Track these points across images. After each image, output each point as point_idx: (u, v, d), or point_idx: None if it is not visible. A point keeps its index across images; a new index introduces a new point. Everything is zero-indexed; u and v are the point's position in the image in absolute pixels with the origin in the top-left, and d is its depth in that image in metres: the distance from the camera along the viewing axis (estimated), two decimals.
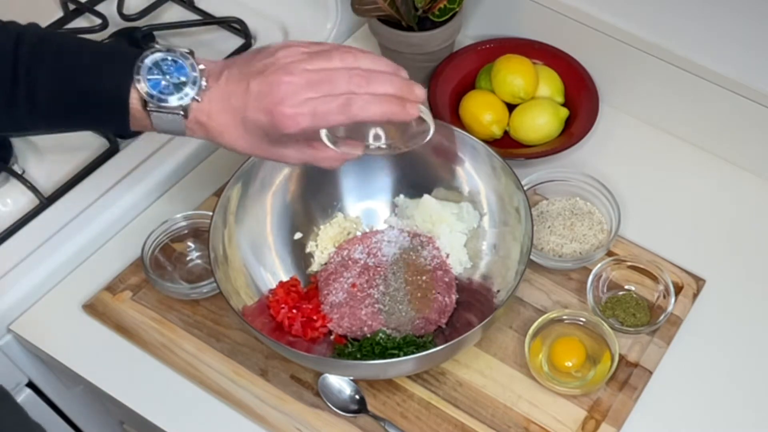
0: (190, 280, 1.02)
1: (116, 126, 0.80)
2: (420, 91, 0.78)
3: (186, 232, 1.04)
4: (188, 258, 1.04)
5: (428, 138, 0.81)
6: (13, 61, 0.77)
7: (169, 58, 0.78)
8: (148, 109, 0.77)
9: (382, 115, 0.76)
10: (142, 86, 0.77)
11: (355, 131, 0.82)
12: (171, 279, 1.01)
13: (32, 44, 0.78)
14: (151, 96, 0.77)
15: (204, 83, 0.78)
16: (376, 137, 0.82)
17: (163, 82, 0.77)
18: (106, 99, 0.78)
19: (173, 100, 0.77)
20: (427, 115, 0.79)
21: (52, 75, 0.77)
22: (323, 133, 0.79)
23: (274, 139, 0.79)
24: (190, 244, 1.04)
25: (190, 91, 0.78)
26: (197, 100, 0.78)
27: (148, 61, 0.77)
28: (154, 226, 1.02)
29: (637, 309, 0.98)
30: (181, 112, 0.78)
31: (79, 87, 0.78)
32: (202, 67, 0.79)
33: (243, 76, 0.78)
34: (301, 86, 0.76)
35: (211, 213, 0.93)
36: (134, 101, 0.78)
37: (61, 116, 0.80)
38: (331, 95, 0.76)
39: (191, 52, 0.79)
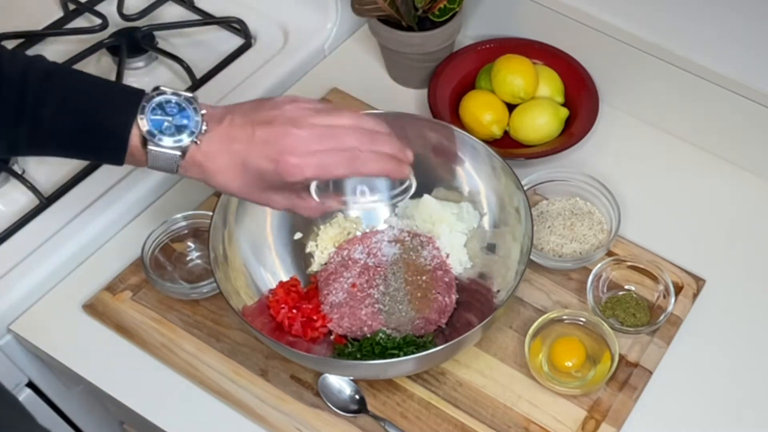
0: (190, 280, 1.02)
1: (110, 159, 0.82)
2: (410, 154, 0.86)
3: (186, 232, 1.04)
4: (188, 258, 1.04)
5: (410, 195, 0.89)
6: (19, 97, 0.79)
7: (173, 100, 0.81)
8: (148, 147, 0.80)
9: (381, 171, 0.83)
10: (143, 124, 0.80)
11: (339, 186, 0.89)
12: (171, 279, 1.01)
13: (38, 81, 0.80)
14: (152, 135, 0.79)
15: (205, 127, 0.81)
16: (362, 193, 0.91)
17: (166, 123, 0.80)
18: (107, 135, 0.81)
19: (173, 141, 0.80)
20: (411, 175, 0.87)
21: (57, 113, 0.80)
22: (313, 185, 0.84)
23: (269, 186, 0.83)
24: (190, 244, 1.04)
25: (190, 135, 0.80)
26: (196, 143, 0.80)
27: (154, 102, 0.80)
28: (154, 226, 1.02)
29: (637, 309, 0.98)
30: (179, 153, 0.80)
31: (81, 125, 0.80)
32: (204, 111, 0.81)
33: (248, 122, 0.81)
34: (308, 139, 0.80)
35: (211, 213, 0.93)
36: (134, 138, 0.80)
37: (60, 149, 0.83)
38: (337, 149, 0.81)
39: (195, 97, 0.82)
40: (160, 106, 0.80)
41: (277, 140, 0.80)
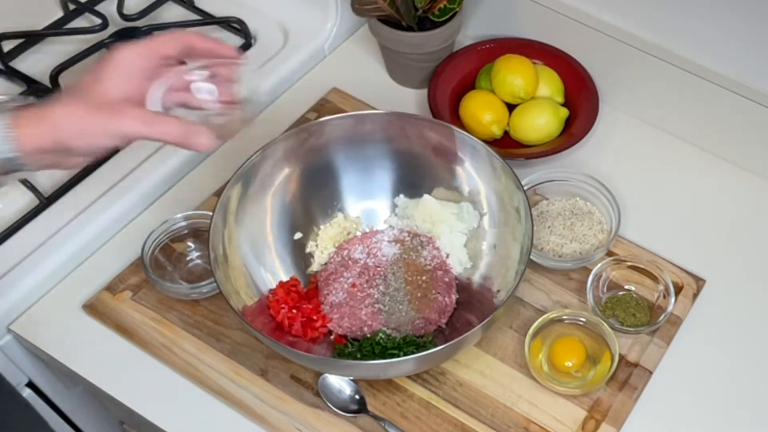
0: (190, 280, 1.02)
1: None
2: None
3: (186, 232, 1.04)
4: (188, 258, 1.04)
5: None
6: None
7: None
8: None
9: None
10: None
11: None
12: (171, 279, 1.01)
13: None
14: None
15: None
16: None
17: None
18: None
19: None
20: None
21: None
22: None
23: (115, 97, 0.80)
24: (190, 244, 1.04)
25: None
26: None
27: None
28: (154, 226, 1.02)
29: (637, 309, 0.98)
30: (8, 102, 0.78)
31: None
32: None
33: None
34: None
35: (211, 213, 0.93)
36: None
37: None
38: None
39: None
40: None
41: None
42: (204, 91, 0.84)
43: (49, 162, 0.80)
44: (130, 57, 0.81)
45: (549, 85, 1.16)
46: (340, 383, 0.94)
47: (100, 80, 0.80)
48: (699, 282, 1.02)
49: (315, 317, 0.96)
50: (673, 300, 0.98)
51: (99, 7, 1.26)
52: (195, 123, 0.82)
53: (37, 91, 1.16)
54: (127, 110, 0.79)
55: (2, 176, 0.79)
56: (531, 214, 0.93)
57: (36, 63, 1.22)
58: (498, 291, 0.96)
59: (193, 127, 0.81)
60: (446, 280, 0.99)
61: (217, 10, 1.28)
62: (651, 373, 0.96)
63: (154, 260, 1.01)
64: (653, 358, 0.96)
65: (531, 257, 0.95)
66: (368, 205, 1.05)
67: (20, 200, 1.07)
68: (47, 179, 1.09)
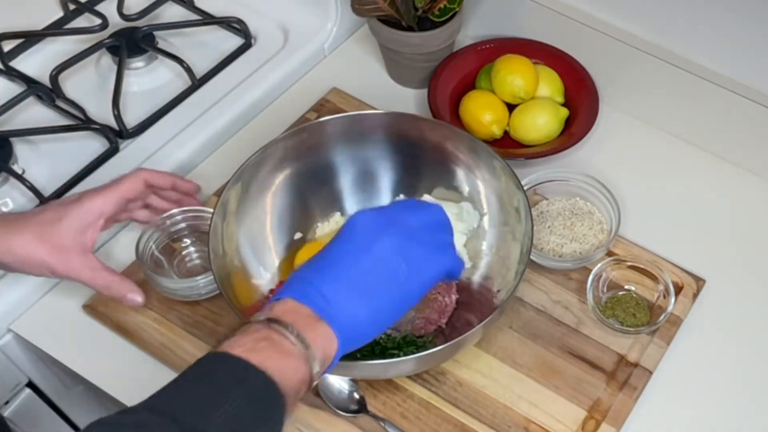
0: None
1: None
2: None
3: (184, 227, 1.03)
4: (187, 258, 1.04)
5: None
6: None
7: None
8: None
9: (167, 176, 1.00)
10: None
11: None
12: (169, 278, 1.01)
13: None
14: None
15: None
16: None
17: None
18: None
19: None
20: None
21: None
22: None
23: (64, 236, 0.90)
24: (186, 240, 1.04)
25: None
26: None
27: None
28: (154, 226, 1.02)
29: (637, 309, 0.98)
30: None
31: None
32: None
33: None
34: None
35: (209, 209, 0.93)
36: None
37: None
38: None
39: None
40: None
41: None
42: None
43: None
44: (98, 206, 0.91)
45: (549, 85, 1.16)
46: (340, 383, 0.94)
47: (62, 219, 0.89)
48: (699, 282, 1.02)
49: None
50: (673, 300, 0.97)
51: (99, 7, 1.26)
52: (128, 281, 0.94)
53: (38, 91, 1.17)
54: (76, 259, 0.90)
55: None
56: (531, 214, 0.93)
57: (36, 63, 1.22)
58: (498, 291, 0.96)
59: (130, 284, 0.93)
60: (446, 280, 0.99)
61: (217, 10, 1.28)
62: (651, 373, 0.96)
63: (153, 260, 1.01)
64: (653, 358, 0.96)
65: (531, 257, 0.95)
66: (368, 205, 1.05)
67: (20, 200, 1.07)
68: (47, 179, 1.09)
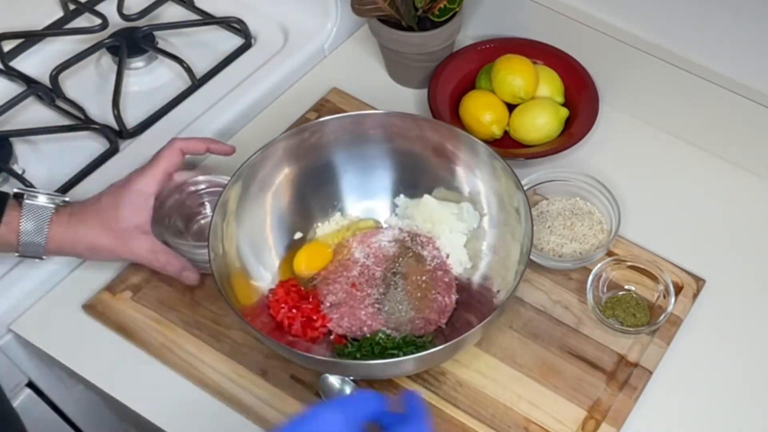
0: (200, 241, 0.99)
1: None
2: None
3: (203, 193, 1.02)
4: (206, 227, 1.00)
5: None
6: None
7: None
8: (24, 201, 0.92)
9: (202, 141, 1.02)
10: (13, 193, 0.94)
11: None
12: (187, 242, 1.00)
13: None
14: (23, 193, 0.93)
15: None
16: None
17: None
18: None
19: (46, 198, 0.94)
20: None
21: None
22: None
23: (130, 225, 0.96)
24: (206, 208, 1.03)
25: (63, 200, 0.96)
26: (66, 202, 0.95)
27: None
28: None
29: (637, 309, 0.98)
30: (53, 205, 0.93)
31: None
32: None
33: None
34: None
35: (228, 177, 0.95)
36: (11, 205, 0.92)
37: None
38: None
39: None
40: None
41: None
42: None
43: (66, 255, 0.98)
44: (146, 185, 0.96)
45: (549, 85, 1.16)
46: (340, 383, 0.94)
47: (119, 205, 0.95)
48: (699, 282, 1.02)
49: (314, 317, 0.96)
50: (673, 300, 0.98)
51: (99, 7, 1.26)
52: (186, 261, 0.98)
53: (38, 91, 1.17)
54: (134, 243, 0.95)
55: (9, 252, 0.94)
56: (531, 214, 0.93)
57: (36, 63, 1.22)
58: (498, 291, 0.96)
59: (187, 263, 0.98)
60: (446, 280, 0.99)
61: (217, 10, 1.28)
62: (651, 373, 0.96)
63: (171, 226, 0.99)
64: (653, 358, 0.96)
65: (531, 257, 0.95)
66: (368, 205, 1.05)
67: None
68: (47, 179, 1.09)
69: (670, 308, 0.97)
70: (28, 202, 0.93)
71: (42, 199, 0.93)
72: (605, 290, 1.01)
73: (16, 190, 0.94)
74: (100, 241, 0.95)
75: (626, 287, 1.01)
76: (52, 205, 0.93)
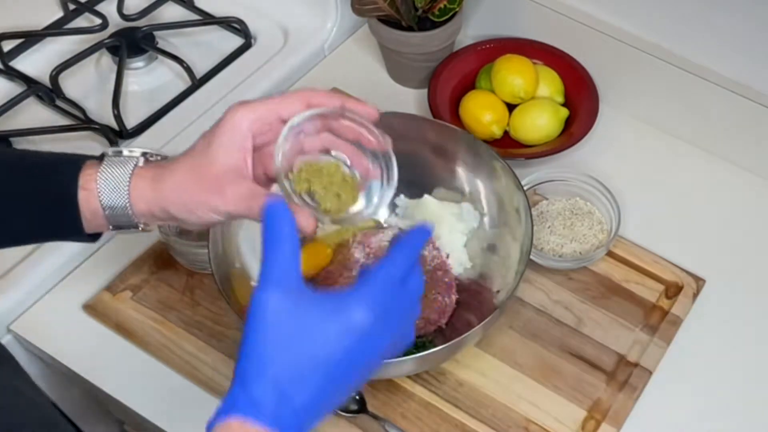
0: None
1: (64, 210, 0.75)
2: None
3: None
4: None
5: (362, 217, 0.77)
6: None
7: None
8: (104, 159, 0.75)
9: (335, 97, 0.76)
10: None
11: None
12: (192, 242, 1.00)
13: None
14: (106, 153, 0.76)
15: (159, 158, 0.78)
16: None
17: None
18: (58, 164, 0.76)
19: (128, 150, 0.77)
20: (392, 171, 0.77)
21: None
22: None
23: (224, 172, 0.74)
24: None
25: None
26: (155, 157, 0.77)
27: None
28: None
29: (343, 188, 0.75)
30: (138, 155, 0.76)
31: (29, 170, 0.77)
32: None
33: None
34: None
35: None
36: (87, 167, 0.75)
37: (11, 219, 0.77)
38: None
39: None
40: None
41: None
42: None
43: (163, 223, 0.80)
44: (246, 119, 0.74)
45: (549, 85, 1.16)
46: None
47: (211, 144, 0.74)
48: (699, 282, 1.02)
49: None
50: (673, 300, 0.97)
51: (99, 7, 1.26)
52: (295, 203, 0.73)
53: (38, 91, 1.17)
54: (230, 188, 0.73)
55: (122, 231, 0.78)
56: (531, 214, 0.93)
57: (36, 63, 1.22)
58: (498, 291, 0.96)
59: (295, 208, 0.73)
60: (446, 280, 0.99)
61: (217, 10, 1.28)
62: (651, 373, 0.96)
63: (176, 227, 0.99)
64: (653, 358, 0.96)
65: (531, 257, 0.95)
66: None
67: None
68: None
69: (670, 308, 0.96)
70: (108, 159, 0.75)
71: (125, 153, 0.76)
72: (300, 153, 0.75)
73: (104, 151, 0.77)
74: (191, 194, 0.74)
75: (334, 154, 0.75)
76: (133, 161, 0.75)
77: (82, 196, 0.74)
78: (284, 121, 0.74)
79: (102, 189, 0.74)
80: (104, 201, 0.74)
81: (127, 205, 0.75)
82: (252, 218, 0.73)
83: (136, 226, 0.77)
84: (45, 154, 0.79)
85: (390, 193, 0.76)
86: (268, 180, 0.78)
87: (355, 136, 0.77)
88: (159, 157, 0.77)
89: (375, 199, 0.76)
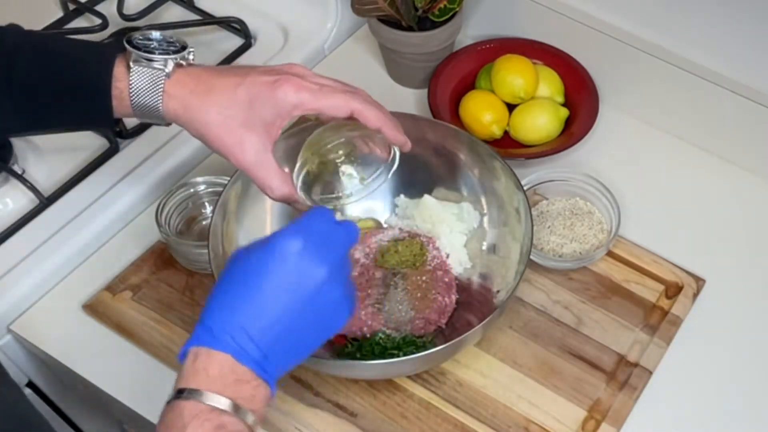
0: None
1: (98, 100, 0.80)
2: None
3: (203, 194, 1.03)
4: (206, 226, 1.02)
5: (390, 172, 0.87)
6: None
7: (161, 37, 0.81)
8: (131, 65, 0.79)
9: (377, 118, 0.81)
10: (128, 48, 0.79)
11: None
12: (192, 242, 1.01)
13: (11, 49, 0.81)
14: (138, 48, 0.79)
15: (192, 57, 0.82)
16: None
17: (152, 44, 0.81)
18: (89, 60, 0.81)
19: (159, 54, 0.80)
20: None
21: (35, 69, 0.80)
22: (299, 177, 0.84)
23: (251, 119, 0.80)
24: (207, 209, 1.03)
25: (179, 52, 0.81)
26: (183, 63, 0.81)
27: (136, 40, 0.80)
28: (154, 227, 1.02)
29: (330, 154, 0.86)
30: (165, 69, 0.79)
31: (61, 64, 0.81)
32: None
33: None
34: (311, 75, 0.82)
35: (228, 178, 0.94)
36: (119, 66, 0.79)
37: (45, 104, 0.81)
38: (337, 88, 0.82)
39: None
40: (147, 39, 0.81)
41: (280, 68, 0.81)
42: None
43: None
44: (293, 104, 0.80)
45: (549, 85, 1.16)
46: None
47: (252, 107, 0.79)
48: (699, 282, 1.02)
49: None
50: (673, 300, 0.97)
51: (99, 7, 1.26)
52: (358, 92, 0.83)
53: None
54: (250, 152, 0.80)
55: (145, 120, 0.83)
56: (531, 214, 0.93)
57: None
58: (498, 291, 0.96)
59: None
60: (446, 280, 0.99)
61: (217, 10, 1.28)
62: (651, 373, 0.96)
63: (174, 227, 1.01)
64: (653, 358, 0.96)
65: (531, 257, 0.95)
66: (368, 205, 1.05)
67: (20, 200, 1.07)
68: (47, 179, 1.09)
69: (670, 308, 0.97)
70: (137, 68, 0.79)
71: (156, 60, 0.79)
72: None
73: (126, 39, 0.80)
74: (214, 134, 0.80)
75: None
76: (170, 65, 0.80)
77: (115, 93, 0.79)
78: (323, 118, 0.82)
79: (135, 102, 0.79)
80: (136, 106, 0.80)
81: (160, 113, 0.80)
82: (256, 183, 0.82)
83: (159, 123, 0.83)
84: (74, 43, 0.85)
85: (379, 180, 0.86)
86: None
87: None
88: (186, 62, 0.82)
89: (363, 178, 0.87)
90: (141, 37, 0.80)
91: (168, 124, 0.83)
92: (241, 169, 0.82)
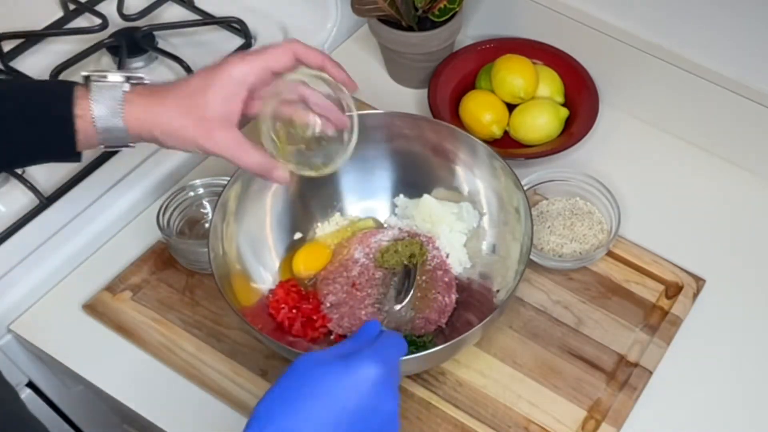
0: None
1: (59, 127, 0.82)
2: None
3: (203, 194, 1.04)
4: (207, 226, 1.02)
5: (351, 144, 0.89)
6: None
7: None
8: (91, 84, 0.81)
9: (321, 61, 0.86)
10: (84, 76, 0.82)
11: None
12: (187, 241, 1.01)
13: None
14: (92, 78, 0.82)
15: (147, 81, 0.85)
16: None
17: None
18: (51, 94, 0.83)
19: (119, 75, 0.83)
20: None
21: None
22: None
23: (212, 116, 0.83)
24: (206, 208, 1.04)
25: (130, 74, 0.84)
26: (143, 81, 0.84)
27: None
28: (154, 227, 1.02)
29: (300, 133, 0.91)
30: (126, 83, 0.82)
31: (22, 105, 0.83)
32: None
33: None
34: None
35: (227, 178, 0.94)
36: (80, 99, 0.81)
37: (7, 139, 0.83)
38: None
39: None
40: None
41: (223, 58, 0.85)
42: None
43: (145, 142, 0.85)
44: (243, 73, 0.83)
45: (549, 85, 1.16)
46: None
47: (206, 91, 0.83)
48: (699, 282, 1.02)
49: (315, 317, 0.96)
50: (673, 300, 0.97)
51: (99, 7, 1.26)
52: (273, 158, 0.86)
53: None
54: (219, 133, 0.83)
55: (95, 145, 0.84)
56: (531, 214, 0.93)
57: (36, 63, 1.22)
58: (498, 291, 0.96)
59: (273, 161, 0.85)
60: (446, 280, 0.99)
61: (217, 10, 1.28)
62: (651, 373, 0.96)
63: (175, 227, 1.01)
64: (653, 358, 0.96)
65: (531, 257, 0.95)
66: (368, 205, 1.05)
67: (20, 200, 1.07)
68: (47, 179, 1.09)
69: (670, 308, 0.97)
70: (96, 84, 0.82)
71: (112, 78, 0.82)
72: None
73: (84, 73, 0.83)
74: (180, 128, 0.83)
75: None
76: (126, 84, 0.82)
77: (78, 123, 0.81)
78: (274, 72, 0.85)
79: (98, 114, 0.81)
80: (99, 125, 0.81)
81: (123, 127, 0.82)
82: (234, 163, 0.85)
83: (127, 145, 0.84)
84: (31, 82, 0.88)
85: (344, 153, 0.90)
86: (243, 118, 0.86)
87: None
88: (138, 79, 0.84)
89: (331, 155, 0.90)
90: (98, 73, 0.83)
91: (133, 144, 0.85)
92: (213, 154, 0.84)
